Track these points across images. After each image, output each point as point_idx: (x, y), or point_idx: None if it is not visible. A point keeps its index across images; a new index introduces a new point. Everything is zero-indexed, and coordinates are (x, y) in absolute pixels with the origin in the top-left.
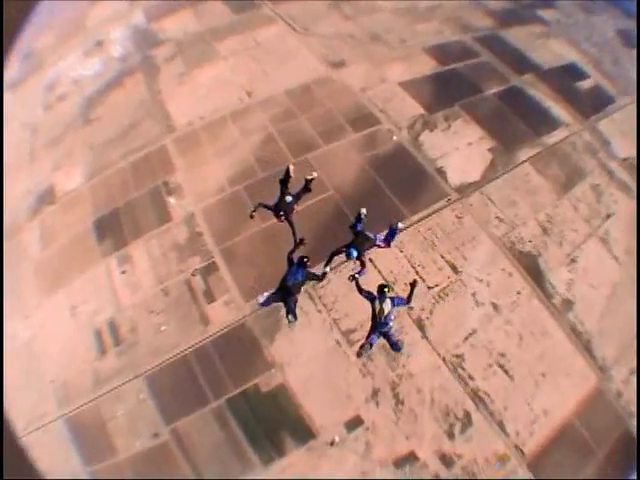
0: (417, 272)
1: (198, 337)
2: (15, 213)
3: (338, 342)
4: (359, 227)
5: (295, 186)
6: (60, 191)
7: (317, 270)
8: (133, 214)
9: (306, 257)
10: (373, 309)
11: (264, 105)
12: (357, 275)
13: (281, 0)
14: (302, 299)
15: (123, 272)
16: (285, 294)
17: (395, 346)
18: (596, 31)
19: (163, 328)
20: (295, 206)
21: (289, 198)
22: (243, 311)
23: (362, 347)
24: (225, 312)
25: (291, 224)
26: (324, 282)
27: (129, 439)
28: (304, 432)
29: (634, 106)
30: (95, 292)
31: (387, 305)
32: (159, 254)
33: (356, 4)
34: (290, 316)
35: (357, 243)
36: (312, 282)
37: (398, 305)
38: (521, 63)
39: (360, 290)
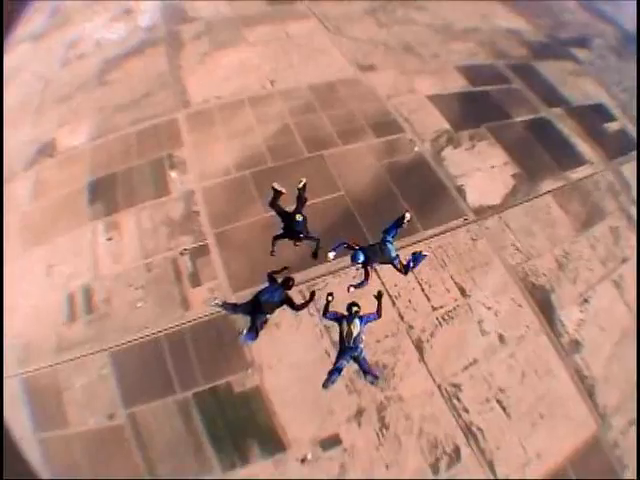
0: (423, 289)
1: (175, 321)
2: (13, 161)
3: (327, 352)
4: (391, 234)
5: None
6: (61, 146)
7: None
8: (130, 181)
9: (292, 280)
10: (340, 332)
11: (285, 96)
12: (356, 287)
13: None
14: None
15: (109, 239)
16: (254, 309)
17: (368, 374)
18: (626, 77)
19: (139, 304)
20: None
21: (299, 217)
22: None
23: (329, 374)
24: (209, 299)
25: (311, 238)
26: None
27: (83, 414)
28: (274, 443)
29: None
30: (76, 255)
31: (355, 326)
32: (149, 227)
33: (392, 14)
34: (248, 333)
35: (372, 249)
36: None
37: (368, 322)
38: (551, 96)
39: (326, 311)
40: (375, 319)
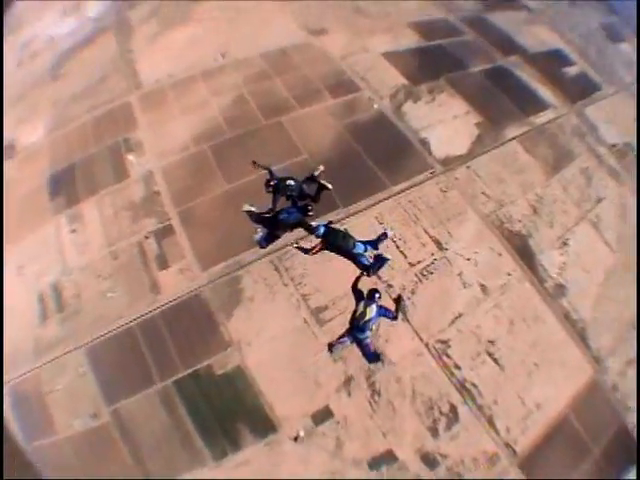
0: (398, 247)
1: (147, 307)
2: None
3: (306, 321)
4: (369, 245)
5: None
6: (20, 145)
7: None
8: (89, 170)
9: (311, 207)
10: (355, 310)
11: (238, 66)
12: (299, 248)
13: None
14: (266, 269)
15: (73, 231)
16: (272, 225)
17: (369, 357)
18: (580, 22)
19: (109, 295)
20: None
21: (291, 182)
22: (199, 280)
23: (331, 346)
24: (179, 280)
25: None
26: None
27: (68, 417)
28: (263, 424)
29: (620, 95)
30: (42, 252)
31: (372, 311)
32: (111, 213)
33: None
34: (264, 237)
35: (335, 232)
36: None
37: (383, 316)
38: (507, 45)
39: (355, 284)
40: (391, 318)
